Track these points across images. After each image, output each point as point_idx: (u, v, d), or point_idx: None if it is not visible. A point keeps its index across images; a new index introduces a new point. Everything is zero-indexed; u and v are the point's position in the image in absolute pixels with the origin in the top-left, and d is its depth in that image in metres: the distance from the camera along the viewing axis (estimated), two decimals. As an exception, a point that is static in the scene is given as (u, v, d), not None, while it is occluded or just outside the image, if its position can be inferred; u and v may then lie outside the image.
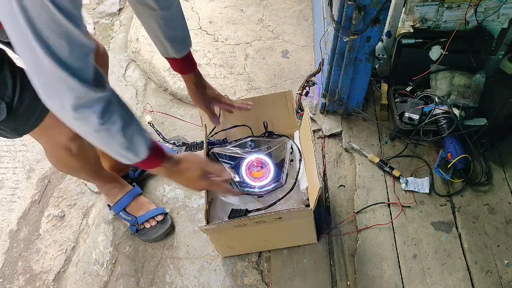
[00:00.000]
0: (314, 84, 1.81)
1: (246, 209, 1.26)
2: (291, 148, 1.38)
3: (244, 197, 1.33)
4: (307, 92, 1.81)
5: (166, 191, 1.63)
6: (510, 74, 1.76)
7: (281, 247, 1.42)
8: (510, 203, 1.47)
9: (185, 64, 1.19)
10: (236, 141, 1.45)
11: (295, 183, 1.32)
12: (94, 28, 2.36)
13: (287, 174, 1.35)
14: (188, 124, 1.83)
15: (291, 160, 1.36)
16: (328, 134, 1.71)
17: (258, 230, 1.28)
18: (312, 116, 1.76)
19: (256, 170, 1.34)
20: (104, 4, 2.49)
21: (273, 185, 1.35)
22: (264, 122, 1.42)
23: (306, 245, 1.43)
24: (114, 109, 0.79)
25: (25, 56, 0.67)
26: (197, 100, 1.27)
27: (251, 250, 1.43)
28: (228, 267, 1.42)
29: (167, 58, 1.17)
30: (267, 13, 2.26)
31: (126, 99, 1.95)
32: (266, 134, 1.44)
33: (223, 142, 1.44)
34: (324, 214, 1.49)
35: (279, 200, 1.27)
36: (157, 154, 0.93)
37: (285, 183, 1.35)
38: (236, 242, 1.37)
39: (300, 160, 1.34)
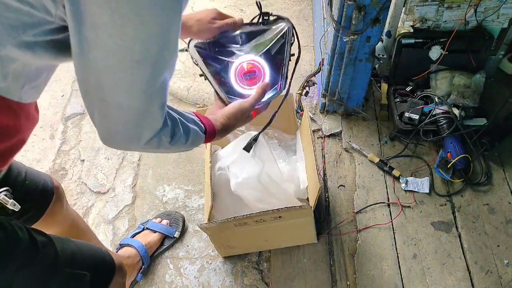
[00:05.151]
0: (314, 84, 1.82)
1: (253, 136, 1.18)
2: (293, 36, 1.07)
3: None
4: (307, 92, 1.81)
5: (166, 191, 1.63)
6: (510, 74, 1.76)
7: (281, 246, 1.42)
8: (510, 203, 1.47)
9: None
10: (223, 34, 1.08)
11: (289, 83, 1.10)
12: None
13: (286, 76, 1.09)
14: (188, 124, 1.83)
15: (292, 55, 1.09)
16: (328, 134, 1.71)
17: (258, 230, 1.28)
18: (312, 116, 1.76)
19: (248, 75, 1.07)
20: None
21: (270, 94, 1.08)
22: (257, 1, 1.10)
23: (306, 245, 1.43)
24: (175, 123, 0.76)
25: (125, 91, 0.62)
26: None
27: (251, 250, 1.43)
28: (228, 267, 1.42)
29: None
30: (267, 13, 2.26)
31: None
32: (260, 20, 1.11)
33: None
34: (324, 214, 1.49)
35: (267, 103, 1.07)
36: (209, 135, 0.90)
37: (284, 88, 1.10)
38: (236, 241, 1.37)
39: (296, 57, 1.09)
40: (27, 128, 0.70)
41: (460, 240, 1.41)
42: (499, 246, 1.38)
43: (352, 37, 1.35)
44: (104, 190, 1.66)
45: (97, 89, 0.62)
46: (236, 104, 0.97)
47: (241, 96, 1.05)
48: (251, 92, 1.02)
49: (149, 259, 1.43)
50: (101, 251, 0.92)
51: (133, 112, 0.64)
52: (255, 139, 1.21)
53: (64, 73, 2.09)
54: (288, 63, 1.08)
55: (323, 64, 1.66)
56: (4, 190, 0.82)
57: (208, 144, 1.41)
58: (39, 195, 0.99)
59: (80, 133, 1.86)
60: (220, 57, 1.03)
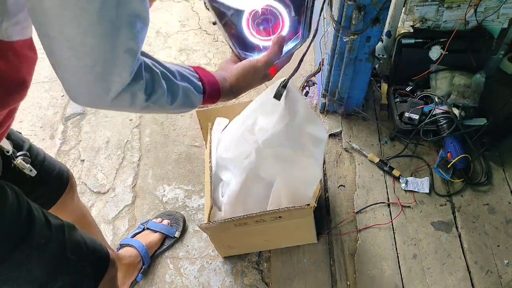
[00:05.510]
0: (314, 84, 1.81)
1: (284, 79, 0.99)
2: None
3: None
4: (307, 92, 1.81)
5: (166, 191, 1.63)
6: (510, 74, 1.76)
7: (281, 246, 1.42)
8: (510, 203, 1.47)
9: None
10: None
11: (316, 29, 0.91)
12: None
13: (310, 21, 0.89)
14: (188, 124, 1.83)
15: None
16: (328, 134, 1.71)
17: (258, 230, 1.28)
18: (312, 116, 1.76)
19: (265, 25, 0.90)
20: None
21: (291, 44, 0.91)
22: None
23: (306, 245, 1.43)
24: (155, 78, 0.65)
25: (88, 29, 0.51)
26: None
27: (251, 250, 1.43)
28: (228, 267, 1.42)
29: None
30: (267, 13, 2.26)
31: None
32: None
33: None
34: (324, 214, 1.49)
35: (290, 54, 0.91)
36: (210, 96, 0.78)
37: (308, 36, 0.92)
38: (236, 241, 1.37)
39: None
40: (22, 68, 0.64)
41: (460, 240, 1.41)
42: (499, 246, 1.38)
43: (352, 37, 1.35)
44: (104, 190, 1.66)
45: (42, 20, 0.52)
46: (247, 62, 0.83)
47: (258, 49, 0.90)
48: (269, 43, 0.86)
49: (150, 259, 1.43)
50: (100, 245, 0.92)
51: (91, 54, 0.53)
52: (284, 85, 1.00)
53: (64, 73, 2.09)
54: (312, 5, 0.87)
55: (323, 64, 1.66)
56: (22, 155, 0.84)
57: (208, 144, 1.41)
58: (55, 179, 1.00)
59: (80, 133, 1.86)
60: (232, 3, 0.85)
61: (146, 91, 0.62)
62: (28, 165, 0.84)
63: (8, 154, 0.81)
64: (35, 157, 0.92)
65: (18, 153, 0.84)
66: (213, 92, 0.78)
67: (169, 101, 0.68)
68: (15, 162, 0.82)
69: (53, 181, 0.99)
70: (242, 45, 0.89)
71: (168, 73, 0.68)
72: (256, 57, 0.83)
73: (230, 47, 0.89)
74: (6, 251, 0.69)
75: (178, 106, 0.71)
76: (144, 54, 0.65)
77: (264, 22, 0.90)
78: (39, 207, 0.78)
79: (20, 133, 0.92)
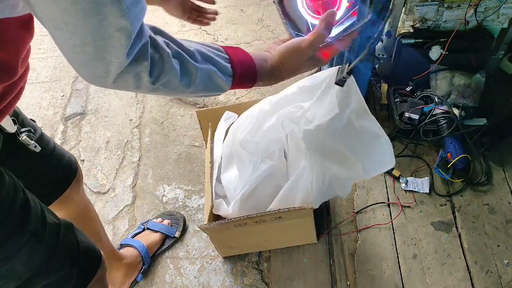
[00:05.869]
0: (314, 84, 1.81)
1: (348, 64, 0.89)
2: None
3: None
4: (307, 92, 1.80)
5: (166, 191, 1.63)
6: (510, 74, 1.76)
7: (281, 246, 1.42)
8: (510, 203, 1.47)
9: None
10: None
11: (387, 8, 0.80)
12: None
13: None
14: (188, 124, 1.83)
15: None
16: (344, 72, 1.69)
17: (258, 230, 1.28)
18: (312, 116, 1.76)
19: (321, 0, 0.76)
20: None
21: (345, 24, 0.78)
22: None
23: (306, 245, 1.43)
24: (164, 58, 0.59)
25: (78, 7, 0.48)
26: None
27: (251, 250, 1.43)
28: (228, 267, 1.42)
29: None
30: (267, 13, 2.26)
31: (126, 99, 1.98)
32: None
33: None
34: (324, 214, 1.49)
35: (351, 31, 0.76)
36: (242, 78, 0.70)
37: (367, 16, 0.78)
38: (236, 241, 1.37)
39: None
40: (6, 48, 0.59)
41: (460, 240, 1.41)
42: (499, 246, 1.38)
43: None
44: (104, 190, 1.66)
45: None
46: (291, 42, 0.73)
47: (310, 31, 0.79)
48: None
49: (150, 260, 1.43)
50: (93, 245, 0.91)
51: (77, 34, 0.50)
52: (349, 72, 0.91)
53: (64, 73, 2.09)
54: None
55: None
56: (26, 131, 0.83)
57: (208, 143, 1.41)
58: (64, 167, 1.00)
59: (80, 133, 1.86)
60: None
61: (152, 73, 0.58)
62: (33, 141, 0.83)
63: (13, 133, 0.80)
64: (46, 144, 0.93)
65: (22, 129, 0.83)
66: (247, 74, 0.70)
67: (184, 84, 0.63)
68: (20, 138, 0.82)
69: (62, 169, 1.00)
70: (295, 23, 0.79)
71: (184, 54, 0.62)
72: (302, 37, 0.73)
73: (284, 26, 0.80)
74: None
75: (200, 90, 0.65)
76: (158, 31, 0.61)
77: None
78: (38, 202, 0.77)
79: (34, 121, 0.93)
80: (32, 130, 0.86)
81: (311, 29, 0.79)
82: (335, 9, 0.76)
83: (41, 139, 0.92)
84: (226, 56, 0.69)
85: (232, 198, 1.27)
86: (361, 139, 1.06)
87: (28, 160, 0.87)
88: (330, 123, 1.01)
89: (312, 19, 0.78)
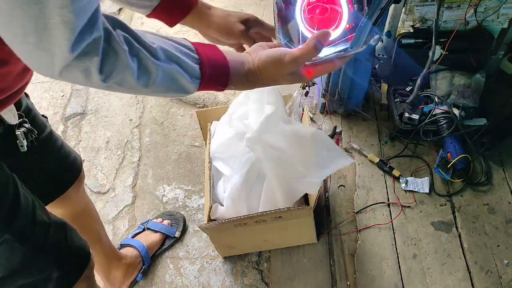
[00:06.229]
0: (314, 84, 1.81)
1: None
2: None
3: None
4: (307, 92, 1.80)
5: (166, 191, 1.63)
6: (510, 74, 1.76)
7: (281, 246, 1.42)
8: (510, 203, 1.47)
9: (173, 3, 0.83)
10: None
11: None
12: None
13: (376, 23, 0.67)
14: (188, 124, 1.83)
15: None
16: (328, 134, 1.71)
17: (258, 230, 1.28)
18: (312, 116, 1.76)
19: (320, 14, 0.72)
20: (103, 3, 2.49)
21: (339, 47, 0.72)
22: None
23: (306, 245, 1.43)
24: (117, 54, 0.55)
25: None
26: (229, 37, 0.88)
27: (251, 250, 1.43)
28: (228, 267, 1.42)
29: (153, 15, 0.84)
30: (267, 13, 2.26)
31: (126, 99, 1.98)
32: None
33: None
34: (324, 214, 1.49)
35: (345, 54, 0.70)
36: (211, 80, 0.65)
37: (364, 44, 0.70)
38: (236, 241, 1.37)
39: None
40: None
41: (460, 240, 1.41)
42: (499, 246, 1.38)
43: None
44: (104, 190, 1.66)
45: None
46: (275, 51, 0.67)
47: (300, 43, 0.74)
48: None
49: (150, 260, 1.43)
50: (84, 246, 0.91)
51: (15, 23, 0.47)
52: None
53: (64, 73, 2.09)
54: (387, 5, 0.66)
55: (323, 64, 1.66)
56: (26, 128, 0.81)
57: (208, 143, 1.41)
58: (67, 168, 1.01)
59: (80, 133, 1.86)
60: None
61: (102, 70, 0.53)
62: (24, 140, 0.80)
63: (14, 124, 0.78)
64: (54, 142, 0.94)
65: (24, 125, 0.81)
66: (217, 77, 0.65)
67: (142, 84, 0.58)
68: (16, 131, 0.79)
69: (65, 168, 1.00)
70: (287, 31, 0.73)
71: (144, 51, 0.57)
72: (287, 50, 0.67)
73: (275, 29, 0.74)
74: None
75: (161, 90, 0.61)
76: (119, 25, 0.56)
77: (319, 11, 0.72)
78: (32, 199, 0.76)
79: (46, 117, 0.94)
80: (35, 131, 0.84)
81: (301, 41, 0.74)
82: (332, 29, 0.71)
83: (50, 136, 0.92)
84: (195, 55, 0.63)
85: (223, 199, 1.29)
86: (297, 139, 1.14)
87: (29, 158, 0.86)
88: (266, 125, 1.10)
89: (306, 32, 0.74)
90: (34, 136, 0.84)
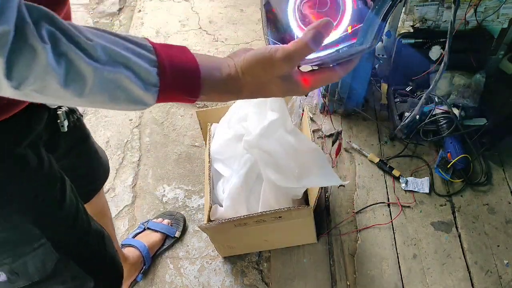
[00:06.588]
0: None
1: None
2: None
3: None
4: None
5: (166, 191, 1.63)
6: (510, 74, 1.76)
7: (281, 246, 1.42)
8: (510, 203, 1.47)
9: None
10: None
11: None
12: (94, 28, 2.37)
13: (385, 19, 0.54)
14: (188, 124, 1.83)
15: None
16: (328, 134, 1.71)
17: (258, 230, 1.28)
18: (312, 116, 1.76)
19: (318, 9, 0.59)
20: (104, 4, 2.49)
21: (340, 46, 0.58)
22: None
23: (306, 245, 1.43)
24: (39, 57, 0.40)
25: None
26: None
27: (251, 250, 1.43)
28: (228, 267, 1.42)
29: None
30: (267, 13, 2.26)
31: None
32: None
33: None
34: (324, 214, 1.49)
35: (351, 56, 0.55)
36: (178, 88, 0.49)
37: (372, 43, 0.56)
38: (236, 241, 1.37)
39: None
40: None
41: (460, 240, 1.41)
42: (499, 246, 1.38)
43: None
44: (104, 190, 1.66)
45: None
46: (262, 50, 0.51)
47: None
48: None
49: (151, 260, 1.43)
50: (119, 261, 0.90)
51: None
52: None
53: (64, 73, 2.09)
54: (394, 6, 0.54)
55: (323, 64, 1.66)
56: (67, 108, 0.76)
57: (208, 143, 1.40)
58: (102, 166, 1.01)
59: (80, 133, 1.86)
60: None
61: (11, 74, 0.39)
62: (65, 121, 0.73)
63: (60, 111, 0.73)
64: (90, 145, 0.94)
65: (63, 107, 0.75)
66: (183, 85, 0.49)
67: (73, 92, 0.43)
68: (58, 111, 0.72)
69: (100, 168, 1.01)
70: (279, 34, 0.60)
71: (77, 50, 0.42)
72: (279, 45, 0.51)
73: (264, 34, 0.61)
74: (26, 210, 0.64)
75: (103, 101, 0.46)
76: (47, 17, 0.41)
77: (318, 5, 0.58)
78: (77, 202, 0.75)
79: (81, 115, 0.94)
80: (77, 112, 0.82)
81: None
82: (326, 19, 0.53)
83: (89, 138, 0.92)
84: (153, 57, 0.47)
85: (223, 200, 1.30)
86: (295, 150, 1.17)
87: (71, 155, 0.84)
88: (267, 130, 1.12)
89: (300, 33, 0.59)
90: (76, 117, 0.81)
